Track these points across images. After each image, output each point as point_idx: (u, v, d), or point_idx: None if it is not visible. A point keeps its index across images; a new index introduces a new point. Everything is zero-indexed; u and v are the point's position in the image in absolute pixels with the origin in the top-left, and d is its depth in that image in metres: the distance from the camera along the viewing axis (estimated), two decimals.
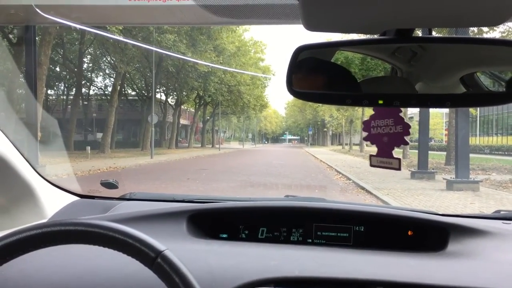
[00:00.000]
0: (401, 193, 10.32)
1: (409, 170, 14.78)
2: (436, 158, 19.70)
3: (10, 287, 0.82)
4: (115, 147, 26.86)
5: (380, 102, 0.77)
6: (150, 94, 27.31)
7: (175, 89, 31.77)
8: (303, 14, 0.64)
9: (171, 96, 34.64)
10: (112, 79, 28.46)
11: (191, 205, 1.47)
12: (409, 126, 0.90)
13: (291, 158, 26.46)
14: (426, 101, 0.79)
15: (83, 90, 30.74)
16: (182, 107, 37.37)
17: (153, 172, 14.76)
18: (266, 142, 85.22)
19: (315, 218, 1.41)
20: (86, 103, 32.71)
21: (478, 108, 39.56)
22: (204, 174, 14.43)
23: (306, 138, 76.12)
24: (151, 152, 21.79)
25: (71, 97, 29.90)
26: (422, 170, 13.88)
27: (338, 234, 1.39)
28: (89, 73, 30.66)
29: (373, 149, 0.99)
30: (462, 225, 1.31)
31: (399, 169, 0.92)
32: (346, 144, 41.31)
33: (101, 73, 31.56)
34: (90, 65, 30.48)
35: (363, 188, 11.01)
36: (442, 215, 1.45)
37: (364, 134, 0.95)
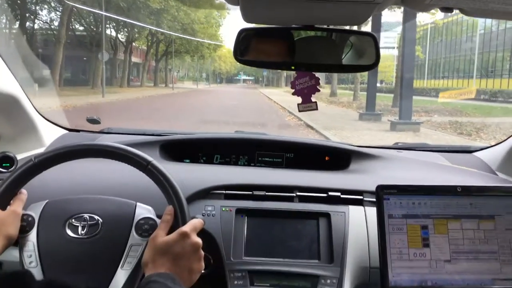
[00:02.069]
0: (347, 133, 10.94)
1: (358, 112, 15.43)
2: (385, 100, 20.44)
3: (31, 191, 1.13)
4: (64, 85, 25.93)
5: (292, 68, 1.17)
6: (99, 30, 26.23)
7: (126, 25, 30.58)
8: (243, 11, 0.97)
9: (122, 33, 33.36)
10: (58, 13, 26.99)
11: (160, 137, 1.81)
12: (318, 79, 1.29)
13: (246, 99, 26.77)
14: (323, 68, 1.22)
15: (27, 24, 28.97)
16: (134, 44, 36.14)
17: (105, 112, 14.52)
18: (220, 82, 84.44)
19: (257, 147, 1.82)
20: (31, 38, 30.90)
21: (427, 52, 40.97)
22: (159, 114, 14.48)
23: (260, 79, 76.18)
24: (103, 91, 21.32)
25: (14, 31, 28.14)
26: (370, 112, 14.49)
27: (274, 159, 1.81)
28: (33, 6, 28.80)
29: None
30: (362, 151, 1.74)
31: (317, 109, 1.33)
32: None
33: (46, 6, 29.71)
34: None
35: (313, 128, 11.56)
36: (356, 146, 1.85)
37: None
